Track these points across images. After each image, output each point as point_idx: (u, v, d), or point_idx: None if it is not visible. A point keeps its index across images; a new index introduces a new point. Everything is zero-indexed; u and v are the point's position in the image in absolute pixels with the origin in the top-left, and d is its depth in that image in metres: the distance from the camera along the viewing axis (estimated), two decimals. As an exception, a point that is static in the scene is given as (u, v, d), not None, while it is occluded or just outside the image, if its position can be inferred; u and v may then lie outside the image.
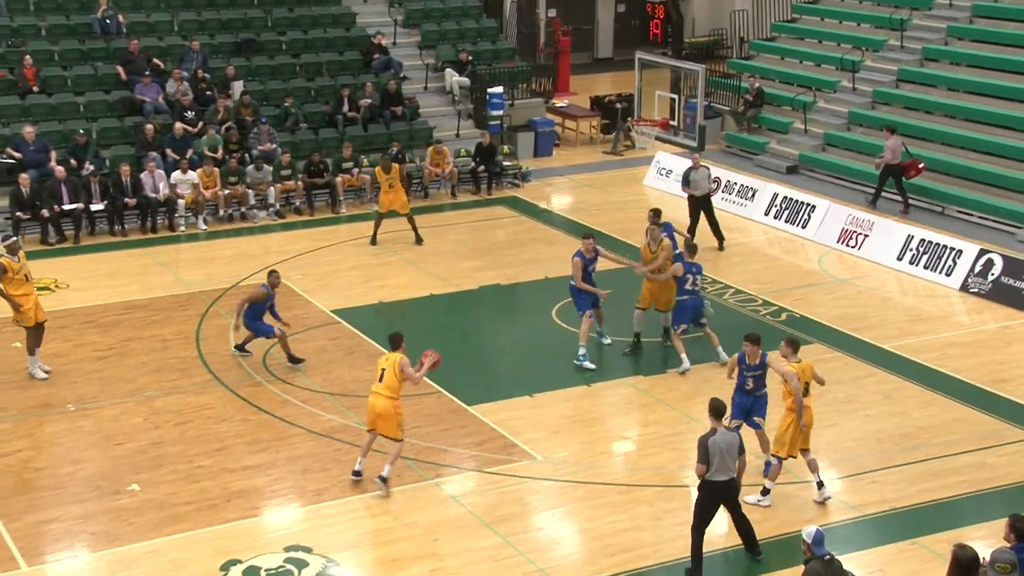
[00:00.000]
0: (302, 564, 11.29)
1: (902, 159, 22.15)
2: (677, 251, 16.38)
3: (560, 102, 29.61)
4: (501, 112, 25.55)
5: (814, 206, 21.77)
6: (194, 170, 21.55)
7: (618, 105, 28.18)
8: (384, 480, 12.43)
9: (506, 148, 25.21)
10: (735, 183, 23.41)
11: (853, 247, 20.64)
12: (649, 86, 28.83)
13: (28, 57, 22.91)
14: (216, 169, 21.72)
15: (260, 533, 11.93)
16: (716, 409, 10.88)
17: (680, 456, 13.47)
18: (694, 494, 12.53)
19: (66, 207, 20.47)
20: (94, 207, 20.79)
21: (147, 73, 23.40)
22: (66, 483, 12.76)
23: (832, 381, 15.36)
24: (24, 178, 20.32)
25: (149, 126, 22.20)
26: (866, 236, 20.52)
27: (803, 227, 21.70)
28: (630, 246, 20.71)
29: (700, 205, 20.58)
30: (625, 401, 14.97)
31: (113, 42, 24.35)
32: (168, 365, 15.67)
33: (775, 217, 22.28)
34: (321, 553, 11.48)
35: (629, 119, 27.98)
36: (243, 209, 21.83)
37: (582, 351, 15.53)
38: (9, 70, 23.08)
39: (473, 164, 23.86)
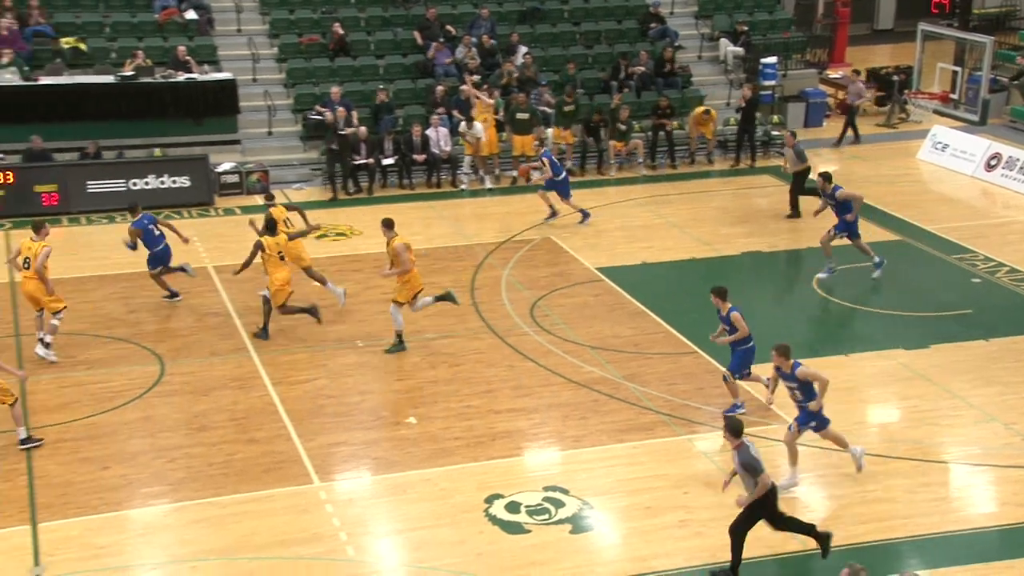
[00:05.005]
0: (559, 504, 11.61)
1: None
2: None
3: (835, 73, 28.50)
4: (774, 82, 24.91)
5: (1105, 186, 20.05)
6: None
7: (895, 77, 26.82)
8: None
9: (775, 118, 24.55)
10: (1017, 159, 21.89)
11: None
12: (930, 59, 27.22)
13: (337, 25, 24.29)
14: (491, 102, 22.06)
15: (521, 472, 12.36)
16: None
17: (939, 432, 12.87)
18: (952, 470, 12.04)
19: (362, 161, 21.69)
20: (386, 162, 21.93)
21: (441, 40, 24.32)
22: (354, 411, 13.64)
23: (1112, 370, 14.27)
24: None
25: (440, 88, 23.12)
26: None
27: (1091, 208, 20.04)
28: (899, 219, 19.84)
29: (799, 179, 19.77)
30: (884, 373, 14.40)
31: (412, 9, 25.46)
32: (445, 311, 16.32)
33: (1061, 196, 20.69)
34: (577, 495, 11.78)
35: (906, 91, 26.58)
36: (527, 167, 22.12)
37: None
38: (321, 35, 24.61)
39: (736, 127, 23.32)
